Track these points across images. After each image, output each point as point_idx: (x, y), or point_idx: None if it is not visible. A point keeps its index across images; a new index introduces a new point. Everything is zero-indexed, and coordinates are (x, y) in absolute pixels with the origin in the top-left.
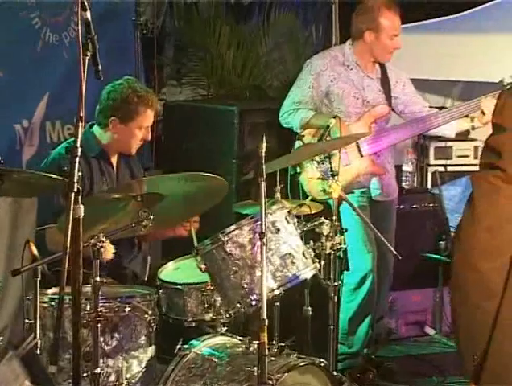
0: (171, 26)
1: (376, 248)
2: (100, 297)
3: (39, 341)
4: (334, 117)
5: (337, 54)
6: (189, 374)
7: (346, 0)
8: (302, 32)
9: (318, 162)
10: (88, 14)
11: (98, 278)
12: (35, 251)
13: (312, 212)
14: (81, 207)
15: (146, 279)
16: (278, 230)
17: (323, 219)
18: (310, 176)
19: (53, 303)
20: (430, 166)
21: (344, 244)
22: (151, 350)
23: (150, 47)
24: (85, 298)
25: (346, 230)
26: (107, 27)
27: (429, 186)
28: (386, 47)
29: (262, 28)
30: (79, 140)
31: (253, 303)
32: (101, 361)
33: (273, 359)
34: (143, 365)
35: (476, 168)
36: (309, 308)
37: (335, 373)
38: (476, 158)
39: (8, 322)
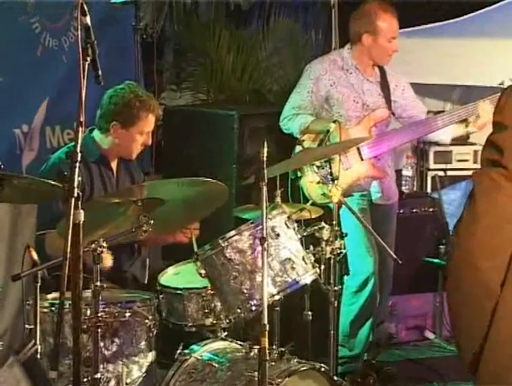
0: (170, 30)
1: (377, 252)
2: (100, 303)
3: (39, 346)
4: (334, 122)
5: (336, 58)
6: (189, 379)
7: (346, 3)
8: (301, 36)
9: (318, 167)
10: (88, 19)
11: (98, 283)
12: (35, 256)
13: (312, 217)
14: (81, 212)
15: (146, 283)
16: (278, 235)
17: (323, 224)
18: (310, 180)
19: (53, 308)
20: (429, 170)
21: (344, 248)
22: (151, 355)
23: (149, 51)
24: (85, 303)
25: (346, 234)
26: (106, 32)
27: (429, 190)
28: (384, 49)
29: (261, 33)
30: (79, 145)
31: (253, 308)
32: (102, 366)
33: (273, 363)
34: (143, 370)
35: None
36: (309, 312)
37: (335, 378)
38: (475, 162)
39: (8, 326)
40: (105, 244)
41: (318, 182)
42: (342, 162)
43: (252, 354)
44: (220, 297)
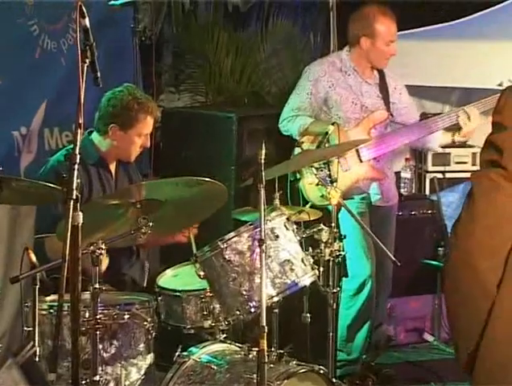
0: (169, 32)
1: (375, 255)
2: (99, 305)
3: (37, 348)
4: (332, 124)
5: (335, 60)
6: (188, 381)
7: (344, 5)
8: (300, 38)
9: (317, 169)
10: (87, 21)
11: (97, 285)
12: (34, 258)
13: (311, 219)
14: (80, 214)
15: (144, 285)
16: (277, 237)
17: (322, 226)
18: (309, 182)
19: (52, 310)
20: (428, 172)
21: (343, 250)
22: (150, 357)
23: (148, 53)
24: (84, 306)
25: (345, 236)
26: (105, 34)
27: (427, 192)
28: (382, 53)
29: (260, 35)
30: (78, 147)
31: (252, 310)
32: (100, 368)
33: (272, 365)
34: (142, 372)
35: None
36: (308, 314)
37: (334, 380)
38: (474, 164)
39: (7, 328)
40: (103, 247)
41: (317, 184)
42: (341, 164)
43: (251, 356)
44: (219, 299)
